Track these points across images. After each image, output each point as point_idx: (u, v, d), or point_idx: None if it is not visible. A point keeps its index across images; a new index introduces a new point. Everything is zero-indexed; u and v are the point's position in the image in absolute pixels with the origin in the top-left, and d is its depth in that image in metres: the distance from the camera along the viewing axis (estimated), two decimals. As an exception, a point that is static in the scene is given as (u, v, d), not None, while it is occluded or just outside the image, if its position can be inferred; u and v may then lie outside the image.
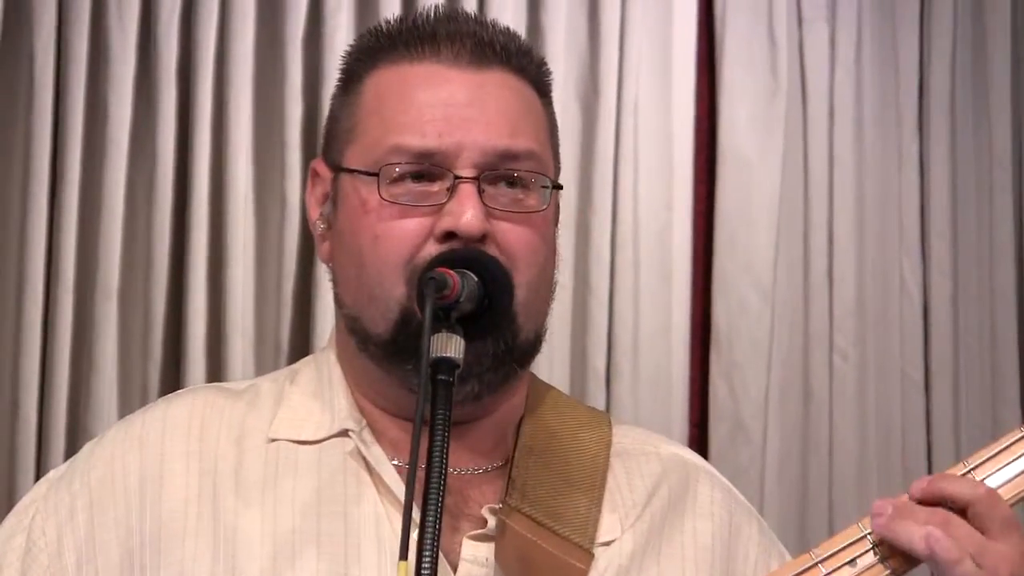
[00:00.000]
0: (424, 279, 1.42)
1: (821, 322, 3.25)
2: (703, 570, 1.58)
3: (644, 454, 1.67)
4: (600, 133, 3.15)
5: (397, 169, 1.52)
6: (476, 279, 1.44)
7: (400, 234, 1.53)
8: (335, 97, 1.64)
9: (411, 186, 1.52)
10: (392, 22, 1.68)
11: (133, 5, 3.01)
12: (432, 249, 1.50)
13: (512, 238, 1.54)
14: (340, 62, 1.66)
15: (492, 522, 1.53)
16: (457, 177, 1.51)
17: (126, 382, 2.96)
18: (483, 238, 1.52)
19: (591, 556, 1.56)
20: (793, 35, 3.31)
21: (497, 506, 1.54)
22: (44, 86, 2.98)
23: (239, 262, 3.00)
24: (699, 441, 3.12)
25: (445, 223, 1.50)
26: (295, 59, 3.00)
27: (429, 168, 1.52)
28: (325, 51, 2.98)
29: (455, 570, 1.49)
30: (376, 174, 1.53)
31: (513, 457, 1.61)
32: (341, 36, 2.99)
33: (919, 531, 1.39)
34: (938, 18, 3.36)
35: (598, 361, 3.11)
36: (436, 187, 1.52)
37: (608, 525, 1.59)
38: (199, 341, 2.96)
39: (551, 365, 2.90)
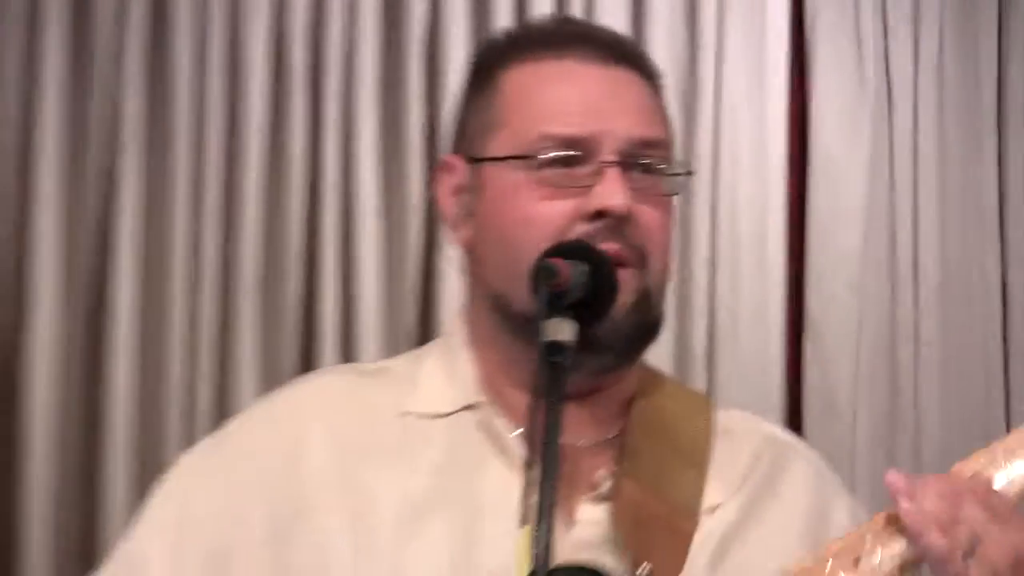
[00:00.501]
0: (538, 267, 1.49)
1: (906, 312, 3.33)
2: (798, 535, 1.65)
3: (745, 432, 1.75)
4: (699, 133, 3.25)
5: (546, 155, 1.61)
6: (586, 269, 1.50)
7: (550, 215, 1.61)
8: (466, 96, 1.73)
9: (558, 171, 1.60)
10: (520, 27, 1.90)
11: (262, 15, 3.15)
12: (581, 228, 1.59)
13: (650, 219, 1.63)
14: (469, 64, 1.77)
15: (606, 486, 1.63)
16: (603, 162, 1.60)
17: (267, 369, 3.12)
18: (627, 218, 1.61)
19: (697, 521, 1.65)
20: (879, 38, 3.39)
21: (611, 472, 1.64)
22: (183, 95, 3.13)
23: (368, 259, 3.15)
24: (793, 423, 3.21)
25: (595, 203, 1.59)
26: (415, 67, 3.15)
27: (576, 154, 1.61)
28: (441, 60, 3.13)
29: (572, 531, 1.58)
30: (527, 157, 1.61)
31: (626, 430, 1.69)
32: (458, 45, 3.13)
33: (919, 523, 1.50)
34: (1016, 20, 3.42)
35: (699, 347, 3.23)
36: (581, 171, 1.60)
37: (712, 494, 1.67)
38: (331, 330, 3.13)
39: (656, 348, 3.00)
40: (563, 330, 1.45)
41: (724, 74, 3.30)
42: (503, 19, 3.15)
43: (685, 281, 3.26)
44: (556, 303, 1.46)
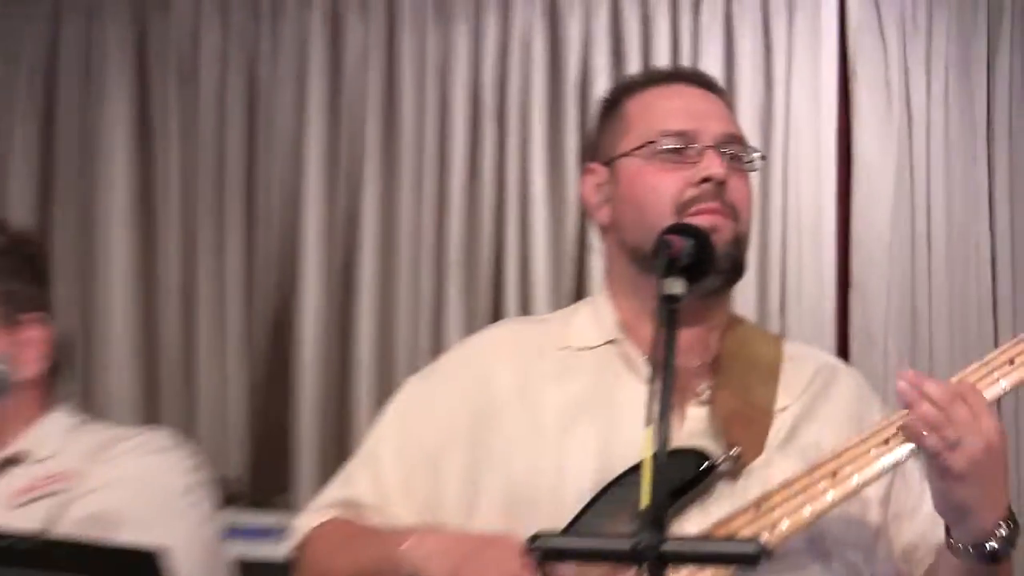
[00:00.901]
0: (658, 241, 1.70)
1: (922, 272, 3.82)
2: (843, 427, 1.87)
3: (805, 357, 2.02)
4: (774, 144, 3.80)
5: (663, 144, 1.89)
6: (692, 242, 1.71)
7: (669, 183, 1.89)
8: (600, 120, 2.02)
9: (671, 155, 1.89)
10: (637, 73, 2.36)
11: (463, 71, 3.88)
12: (691, 192, 1.87)
13: (737, 187, 1.90)
14: (603, 98, 2.07)
15: (706, 394, 1.88)
16: (704, 146, 1.88)
17: (468, 321, 3.81)
18: (723, 184, 1.87)
19: (772, 417, 1.91)
20: (901, 78, 3.89)
21: (709, 385, 1.89)
22: (408, 126, 3.86)
23: (539, 242, 3.87)
24: (842, 353, 3.69)
25: (701, 172, 1.86)
26: (571, 105, 3.87)
27: (685, 141, 1.90)
28: (589, 100, 3.75)
29: (683, 426, 1.83)
30: (651, 143, 1.89)
31: (720, 355, 1.94)
32: (600, 89, 3.68)
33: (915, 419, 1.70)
34: (1000, 62, 3.91)
35: (774, 300, 3.78)
36: (688, 154, 1.89)
37: (782, 399, 1.92)
38: (513, 293, 3.84)
39: (742, 303, 3.32)
40: (675, 286, 1.62)
41: (791, 103, 3.87)
42: (633, 69, 3.79)
43: (764, 250, 3.77)
44: (671, 266, 1.64)
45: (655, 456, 1.46)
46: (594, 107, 3.38)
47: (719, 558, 1.61)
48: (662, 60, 3.88)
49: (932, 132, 3.90)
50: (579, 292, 3.81)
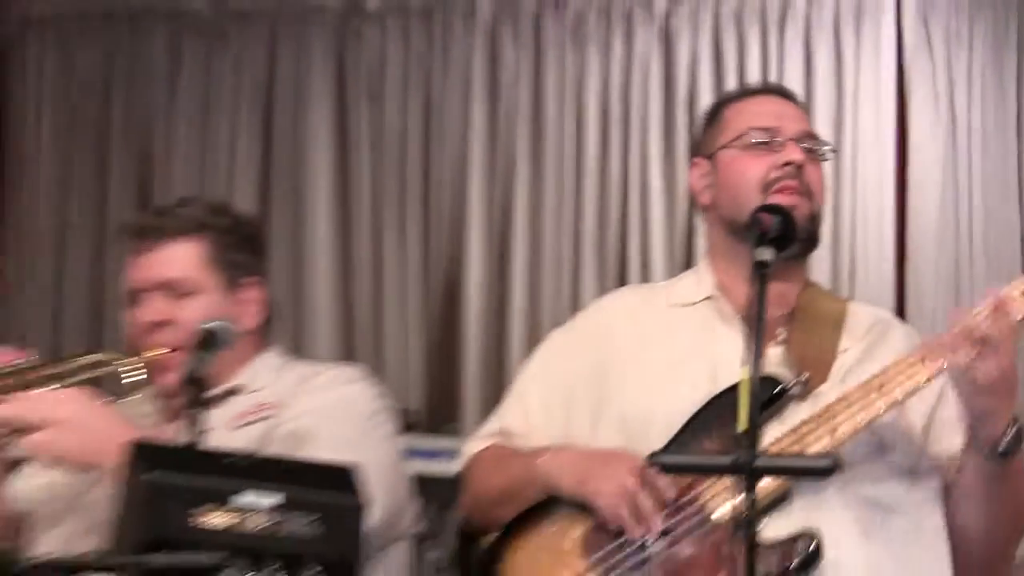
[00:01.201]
0: (752, 217, 1.96)
1: (964, 250, 4.32)
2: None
3: (867, 313, 2.27)
4: (845, 147, 4.32)
5: (754, 136, 2.18)
6: (779, 218, 1.95)
7: (758, 167, 2.16)
8: (705, 124, 2.33)
9: (760, 146, 2.17)
10: (733, 89, 2.77)
11: (594, 86, 4.54)
12: (775, 173, 2.12)
13: (812, 172, 2.17)
14: (707, 109, 2.40)
15: (783, 336, 2.12)
16: (787, 139, 2.15)
17: (601, 288, 4.34)
18: (801, 168, 2.12)
19: (835, 356, 2.16)
20: (947, 94, 4.40)
21: (786, 329, 2.12)
22: (555, 138, 4.57)
23: (657, 228, 4.53)
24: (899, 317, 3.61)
25: (784, 158, 2.13)
26: (681, 116, 4.53)
27: (770, 135, 2.16)
28: (696, 111, 4.28)
29: (764, 363, 1.88)
30: (743, 136, 2.18)
31: (796, 308, 2.17)
32: (706, 102, 4.10)
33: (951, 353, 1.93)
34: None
35: (844, 272, 4.30)
36: (773, 146, 2.15)
37: (844, 343, 2.16)
38: (635, 268, 4.51)
39: (819, 274, 3.03)
40: (765, 254, 1.82)
41: (858, 108, 4.44)
42: (731, 84, 4.41)
43: (836, 229, 4.25)
44: (762, 238, 1.86)
45: (750, 391, 1.66)
46: (700, 116, 3.47)
47: (803, 471, 1.88)
48: (754, 76, 4.48)
49: (972, 130, 4.43)
50: (688, 266, 3.60)
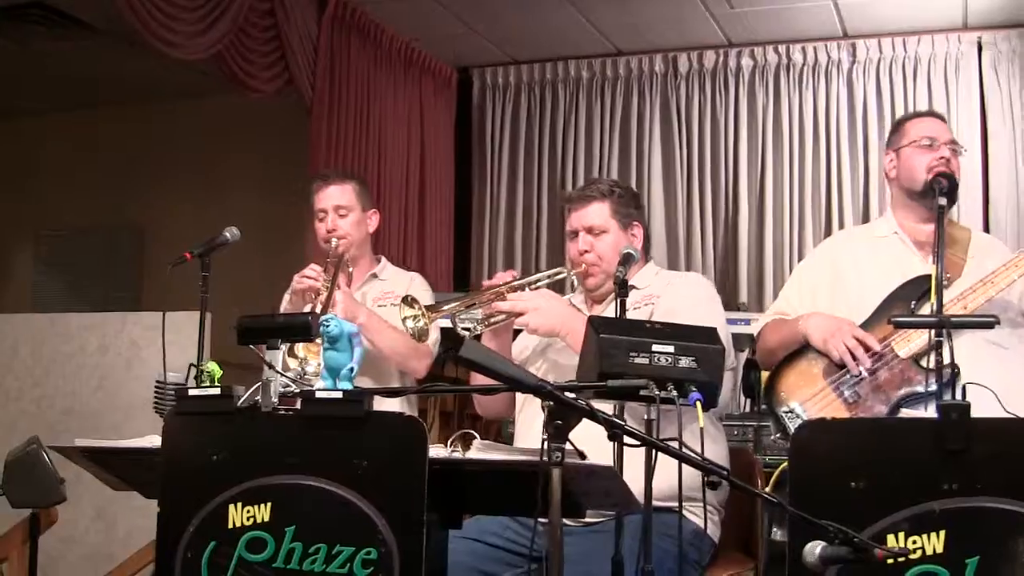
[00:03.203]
0: (930, 180, 3.34)
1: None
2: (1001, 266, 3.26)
3: (982, 236, 3.58)
4: (967, 166, 5.95)
5: (923, 141, 3.44)
6: (945, 183, 3.25)
7: (924, 157, 3.45)
8: (892, 132, 3.66)
9: (925, 147, 3.44)
10: (908, 112, 4.78)
11: (843, 109, 7.90)
12: (934, 163, 3.39)
13: (955, 162, 3.45)
14: (893, 124, 3.71)
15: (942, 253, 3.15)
16: (941, 143, 3.42)
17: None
18: (948, 160, 3.39)
19: (965, 260, 3.40)
20: (1011, 119, 7.21)
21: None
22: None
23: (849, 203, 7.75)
24: None
25: (939, 155, 3.44)
26: (860, 133, 7.78)
27: (932, 141, 3.42)
28: (868, 135, 7.84)
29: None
30: (916, 142, 3.44)
31: (945, 239, 3.22)
32: (880, 129, 7.45)
33: None
34: None
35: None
36: (933, 147, 3.44)
37: (971, 252, 3.42)
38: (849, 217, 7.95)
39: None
40: (943, 200, 3.16)
41: (962, 129, 7.25)
42: (898, 113, 7.38)
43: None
44: (940, 191, 3.20)
45: (937, 281, 2.82)
46: (874, 140, 7.78)
47: (975, 324, 2.78)
48: (918, 106, 7.51)
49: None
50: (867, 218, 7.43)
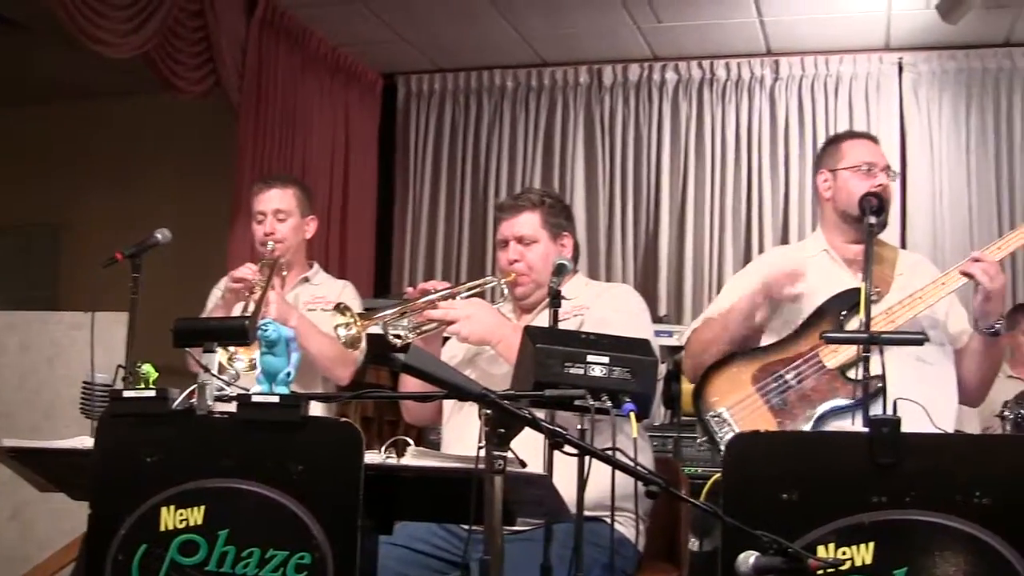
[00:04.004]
0: (861, 201, 3.39)
1: (940, 241, 7.74)
2: (929, 284, 3.36)
3: (909, 254, 3.72)
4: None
5: (863, 167, 3.53)
6: (878, 201, 3.35)
7: (860, 182, 3.52)
8: (823, 151, 3.73)
9: (862, 172, 3.52)
10: (843, 132, 3.85)
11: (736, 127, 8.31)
12: (873, 187, 3.48)
13: (889, 187, 3.57)
14: (825, 142, 3.77)
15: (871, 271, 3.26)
16: (879, 169, 3.54)
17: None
18: (885, 187, 3.50)
19: (893, 278, 3.47)
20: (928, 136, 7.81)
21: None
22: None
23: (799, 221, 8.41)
24: None
25: (877, 181, 3.53)
26: (809, 150, 8.28)
27: (870, 166, 3.52)
28: (816, 147, 8.07)
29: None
30: (855, 167, 3.53)
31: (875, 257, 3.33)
32: (818, 142, 7.95)
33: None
34: (1014, 117, 7.46)
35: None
36: (872, 173, 3.54)
37: (898, 269, 3.51)
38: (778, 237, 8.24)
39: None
40: (872, 219, 3.26)
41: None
42: (832, 130, 7.66)
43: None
44: (870, 210, 3.30)
45: (865, 295, 2.89)
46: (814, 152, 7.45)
47: (905, 340, 2.89)
48: (839, 124, 7.80)
49: (953, 168, 7.73)
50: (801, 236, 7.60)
